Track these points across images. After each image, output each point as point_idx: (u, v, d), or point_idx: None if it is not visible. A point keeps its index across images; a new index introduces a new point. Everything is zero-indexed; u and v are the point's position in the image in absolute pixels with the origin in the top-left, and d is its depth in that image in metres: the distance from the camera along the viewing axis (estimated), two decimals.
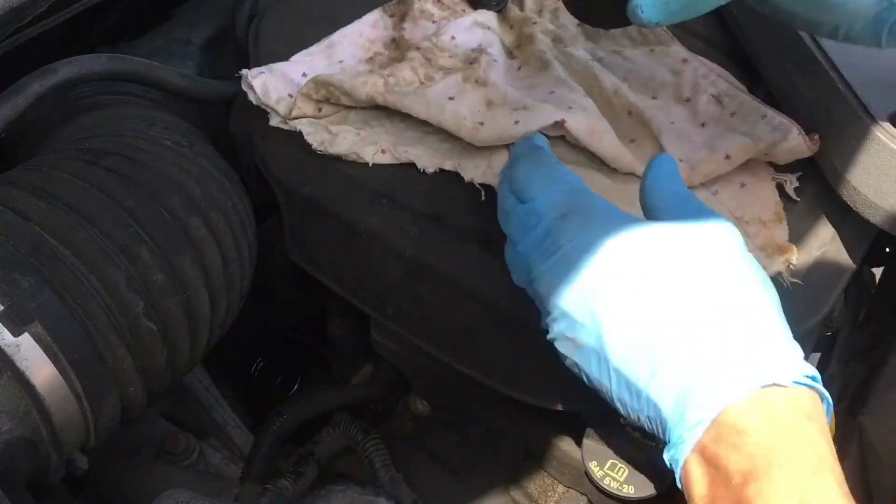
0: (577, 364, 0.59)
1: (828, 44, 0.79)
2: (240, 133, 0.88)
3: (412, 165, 0.79)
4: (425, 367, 0.83)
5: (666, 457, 0.54)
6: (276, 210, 0.85)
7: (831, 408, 0.54)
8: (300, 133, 0.81)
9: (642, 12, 0.63)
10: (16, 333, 0.59)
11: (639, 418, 0.56)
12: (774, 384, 0.51)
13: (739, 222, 0.76)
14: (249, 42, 0.91)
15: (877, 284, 1.00)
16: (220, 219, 0.76)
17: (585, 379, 0.59)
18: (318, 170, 0.81)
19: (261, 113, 0.84)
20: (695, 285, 0.55)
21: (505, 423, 0.85)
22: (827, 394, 0.53)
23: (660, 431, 0.55)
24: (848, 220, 0.78)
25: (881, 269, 1.00)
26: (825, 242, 0.77)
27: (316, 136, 0.81)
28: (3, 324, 0.59)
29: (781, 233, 0.76)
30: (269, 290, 0.95)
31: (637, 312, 0.55)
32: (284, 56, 0.87)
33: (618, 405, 0.57)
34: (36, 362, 0.60)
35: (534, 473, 0.86)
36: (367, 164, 0.79)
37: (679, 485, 0.54)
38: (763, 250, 0.74)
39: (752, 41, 0.90)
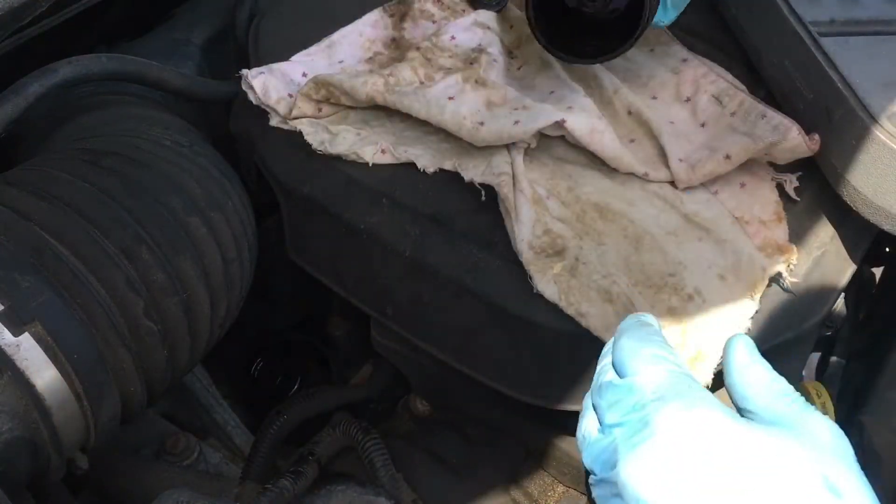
0: None
1: (828, 44, 0.79)
2: (240, 133, 0.88)
3: (412, 165, 0.79)
4: (425, 367, 0.83)
5: None
6: (276, 210, 0.85)
7: None
8: (300, 133, 0.81)
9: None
10: (16, 333, 0.59)
11: None
12: None
13: (739, 222, 0.76)
14: (249, 42, 0.91)
15: (877, 284, 1.00)
16: (220, 219, 0.76)
17: None
18: (318, 170, 0.81)
19: (261, 113, 0.84)
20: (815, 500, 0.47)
21: (505, 423, 0.85)
22: None
23: None
24: (848, 220, 0.78)
25: (881, 269, 1.00)
26: (825, 242, 0.77)
27: (316, 136, 0.81)
28: (3, 324, 0.59)
29: (781, 233, 0.76)
30: (269, 290, 0.95)
31: None
32: (284, 56, 0.88)
33: None
34: (36, 362, 0.60)
35: (534, 473, 0.87)
36: (367, 164, 0.79)
37: None
38: (763, 250, 0.74)
39: (752, 41, 0.90)
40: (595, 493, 0.54)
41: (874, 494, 0.50)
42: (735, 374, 0.54)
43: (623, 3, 0.83)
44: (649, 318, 0.59)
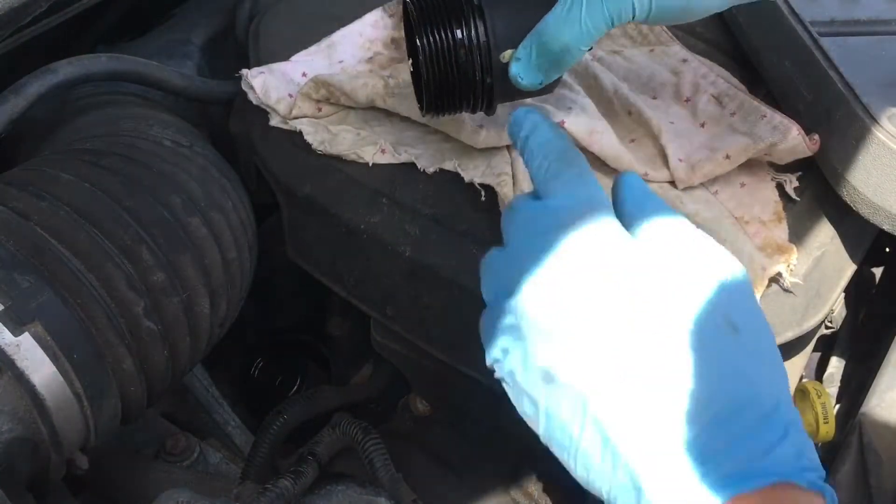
0: (543, 411, 0.49)
1: (828, 44, 0.79)
2: (240, 133, 0.88)
3: (412, 165, 0.79)
4: (425, 367, 0.83)
5: None
6: (276, 210, 0.85)
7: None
8: (300, 133, 0.81)
9: (522, 79, 0.65)
10: (16, 333, 0.59)
11: (600, 486, 0.46)
12: (791, 483, 0.43)
13: (739, 222, 0.76)
14: (249, 42, 0.91)
15: (877, 284, 1.00)
16: (220, 219, 0.76)
17: (544, 433, 0.49)
18: (318, 170, 0.81)
19: (261, 113, 0.84)
20: (714, 333, 0.47)
21: (505, 423, 0.85)
22: (835, 496, 0.45)
23: None
24: (848, 220, 0.78)
25: (881, 269, 1.00)
26: (825, 242, 0.77)
27: (316, 135, 0.81)
28: (3, 323, 0.59)
29: (781, 233, 0.75)
30: (269, 290, 0.95)
31: (637, 356, 0.46)
32: (284, 56, 0.87)
33: (574, 466, 0.48)
34: (36, 362, 0.60)
35: (534, 473, 0.87)
36: (367, 164, 0.79)
37: None
38: (763, 250, 0.74)
39: (752, 41, 0.90)
40: (483, 322, 0.55)
41: (769, 329, 0.50)
42: (629, 204, 0.55)
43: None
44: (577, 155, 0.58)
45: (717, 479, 0.42)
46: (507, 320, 0.51)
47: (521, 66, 0.65)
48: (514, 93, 0.68)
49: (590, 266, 0.49)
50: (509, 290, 0.51)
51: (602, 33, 0.61)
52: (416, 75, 0.74)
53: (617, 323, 0.47)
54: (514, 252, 0.53)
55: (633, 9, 0.59)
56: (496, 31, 0.66)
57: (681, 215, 0.54)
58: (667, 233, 0.52)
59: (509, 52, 0.66)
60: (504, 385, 0.52)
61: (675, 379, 0.45)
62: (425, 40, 0.67)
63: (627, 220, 0.53)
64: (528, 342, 0.49)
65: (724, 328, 0.47)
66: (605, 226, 0.51)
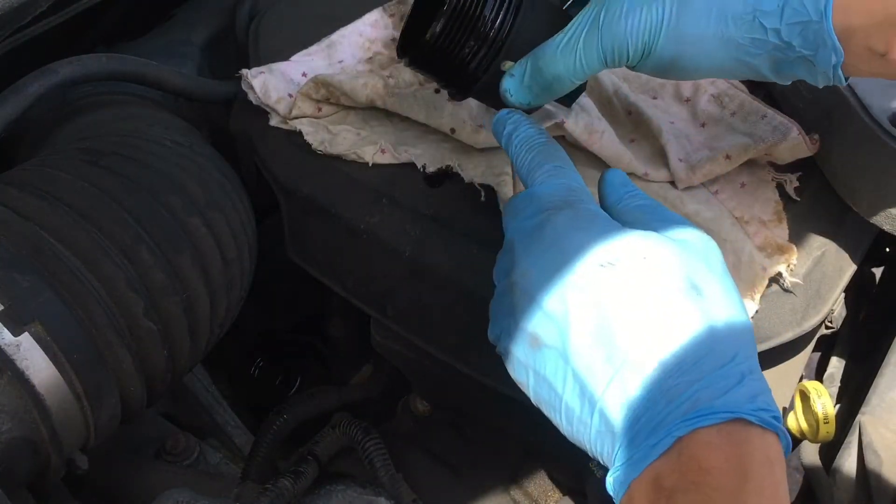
0: (531, 372, 0.55)
1: None
2: (240, 133, 0.88)
3: (412, 165, 0.79)
4: (425, 367, 0.83)
5: (609, 480, 0.50)
6: (276, 210, 0.85)
7: (790, 447, 0.50)
8: (300, 133, 0.81)
9: (511, 96, 0.66)
10: (16, 333, 0.59)
11: (584, 437, 0.52)
12: (744, 420, 0.47)
13: (739, 222, 0.76)
14: (249, 42, 0.91)
15: (877, 284, 1.00)
16: (220, 219, 0.76)
17: (533, 395, 0.56)
18: (318, 170, 0.81)
19: (261, 113, 0.84)
20: (677, 295, 0.52)
21: (505, 423, 0.85)
22: (788, 436, 0.50)
23: (605, 452, 0.51)
24: (848, 220, 0.78)
25: (881, 269, 1.00)
26: (825, 242, 0.77)
27: (316, 135, 0.81)
28: (3, 323, 0.59)
29: (781, 233, 0.76)
30: (269, 290, 0.95)
31: (610, 311, 0.52)
32: (284, 56, 0.87)
33: (562, 422, 0.53)
34: (36, 362, 0.60)
35: (534, 473, 0.87)
36: (367, 164, 0.79)
37: None
38: (763, 250, 0.74)
39: None
40: (491, 304, 0.60)
41: (736, 295, 0.54)
42: (611, 196, 0.62)
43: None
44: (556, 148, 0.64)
45: (678, 417, 0.47)
46: (504, 297, 0.58)
47: (512, 83, 0.66)
48: (497, 100, 0.68)
49: (564, 240, 0.55)
50: (506, 271, 0.58)
51: (594, 71, 0.63)
52: (412, 18, 0.72)
53: (589, 288, 0.53)
54: (508, 238, 0.60)
55: (628, 53, 0.61)
56: (516, 36, 0.66)
57: (656, 200, 0.60)
58: (640, 211, 0.59)
59: (509, 63, 0.66)
60: (503, 358, 0.58)
61: (642, 336, 0.50)
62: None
63: (610, 208, 0.61)
64: (517, 313, 0.56)
65: (688, 291, 0.52)
66: (579, 205, 0.57)
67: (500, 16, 0.66)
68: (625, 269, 0.53)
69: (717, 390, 0.48)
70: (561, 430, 0.55)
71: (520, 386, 0.57)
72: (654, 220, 0.58)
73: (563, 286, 0.53)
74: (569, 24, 0.63)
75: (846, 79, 0.60)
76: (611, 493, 0.50)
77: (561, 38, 0.63)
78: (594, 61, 0.62)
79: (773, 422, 0.48)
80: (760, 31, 0.58)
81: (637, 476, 0.48)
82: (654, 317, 0.51)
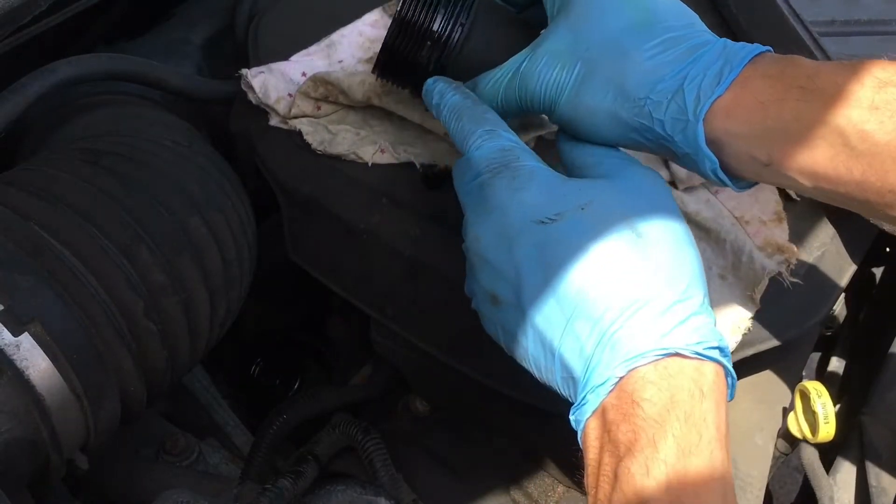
0: (499, 328, 0.59)
1: (828, 44, 0.79)
2: (239, 133, 0.88)
3: (412, 165, 0.79)
4: (425, 367, 0.83)
5: (571, 419, 0.54)
6: (276, 210, 0.85)
7: (735, 382, 0.53)
8: (300, 133, 0.81)
9: None
10: (16, 333, 0.59)
11: (553, 383, 0.56)
12: (678, 354, 0.50)
13: (739, 222, 0.76)
14: (249, 42, 0.91)
15: (877, 284, 1.00)
16: (220, 219, 0.76)
17: (507, 348, 0.59)
18: (318, 170, 0.81)
19: (261, 113, 0.84)
20: (616, 241, 0.54)
21: (505, 423, 0.85)
22: (731, 368, 0.53)
23: (571, 395, 0.55)
24: (848, 220, 0.78)
25: (881, 268, 1.00)
26: (825, 242, 0.77)
27: (315, 135, 0.81)
28: (3, 323, 0.59)
29: (781, 233, 0.76)
30: (269, 290, 0.95)
31: (555, 265, 0.54)
32: (284, 56, 0.87)
33: (534, 370, 0.57)
34: (36, 362, 0.60)
35: (534, 473, 0.87)
36: (366, 164, 0.79)
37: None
38: (763, 250, 0.74)
39: (752, 41, 0.90)
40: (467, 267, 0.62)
41: (681, 232, 0.56)
42: (564, 148, 0.64)
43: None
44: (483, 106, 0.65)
45: (620, 360, 0.51)
46: (467, 260, 0.61)
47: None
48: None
49: (505, 202, 0.57)
50: (465, 236, 0.61)
51: (514, 113, 0.66)
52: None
53: (534, 246, 0.55)
54: (462, 204, 0.63)
55: (540, 104, 0.64)
56: (468, 38, 0.68)
57: (613, 149, 0.62)
58: (593, 160, 0.61)
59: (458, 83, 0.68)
60: (479, 315, 0.62)
61: (586, 286, 0.53)
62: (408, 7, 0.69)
63: (565, 159, 0.64)
64: (477, 275, 0.60)
65: (629, 236, 0.54)
66: (515, 164, 0.59)
67: (450, 24, 0.68)
68: (565, 221, 0.55)
69: (659, 331, 0.51)
70: (536, 376, 0.58)
71: (496, 341, 0.61)
72: (604, 164, 0.60)
73: (509, 248, 0.56)
74: (505, 63, 0.65)
75: (735, 180, 0.59)
76: (575, 431, 0.55)
77: (493, 75, 0.66)
78: (513, 104, 0.65)
79: (708, 354, 0.51)
80: (649, 119, 0.58)
81: (590, 415, 0.52)
82: (596, 266, 0.53)
